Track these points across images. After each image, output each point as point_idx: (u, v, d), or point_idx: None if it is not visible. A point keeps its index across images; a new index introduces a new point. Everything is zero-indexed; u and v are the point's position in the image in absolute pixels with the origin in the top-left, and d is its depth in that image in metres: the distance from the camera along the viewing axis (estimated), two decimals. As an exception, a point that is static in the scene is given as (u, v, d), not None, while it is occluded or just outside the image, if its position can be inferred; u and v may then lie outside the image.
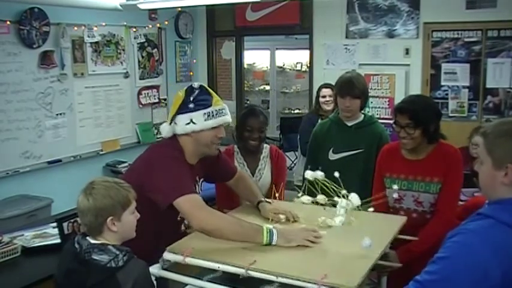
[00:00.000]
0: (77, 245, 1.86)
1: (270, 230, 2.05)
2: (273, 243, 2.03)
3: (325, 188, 2.13)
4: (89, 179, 1.93)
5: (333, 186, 2.07)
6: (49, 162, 4.98)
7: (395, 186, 2.48)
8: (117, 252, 1.82)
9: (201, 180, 2.47)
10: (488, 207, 1.51)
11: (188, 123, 2.22)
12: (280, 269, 1.81)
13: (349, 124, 2.96)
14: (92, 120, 5.43)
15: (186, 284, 2.07)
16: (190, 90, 2.29)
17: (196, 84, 2.32)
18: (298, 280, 1.76)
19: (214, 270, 2.00)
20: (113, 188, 1.88)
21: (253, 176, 2.98)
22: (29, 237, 2.93)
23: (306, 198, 2.15)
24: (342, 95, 2.90)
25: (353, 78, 2.90)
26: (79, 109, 5.28)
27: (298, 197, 2.36)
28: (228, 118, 2.31)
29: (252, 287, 1.85)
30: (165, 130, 2.31)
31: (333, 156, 2.99)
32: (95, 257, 1.80)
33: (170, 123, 2.29)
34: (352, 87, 2.85)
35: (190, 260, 1.97)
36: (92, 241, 1.86)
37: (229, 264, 1.89)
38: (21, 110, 4.71)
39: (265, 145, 3.05)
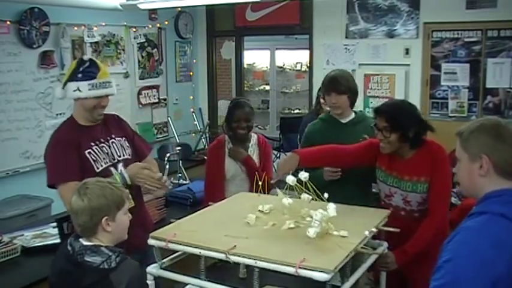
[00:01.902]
0: (69, 247, 1.85)
1: (121, 173, 2.53)
2: (127, 182, 2.48)
3: (307, 189, 2.14)
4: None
5: (313, 188, 2.08)
6: (49, 162, 4.98)
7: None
8: (110, 254, 1.81)
9: (124, 138, 2.72)
10: (479, 205, 1.53)
11: (75, 90, 2.54)
12: (259, 254, 1.83)
13: (343, 121, 2.97)
14: (92, 120, 5.43)
15: (186, 284, 2.07)
16: (80, 62, 2.60)
17: (86, 57, 2.62)
18: (278, 264, 1.78)
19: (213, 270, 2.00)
20: (107, 188, 1.88)
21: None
22: (29, 237, 2.93)
23: (288, 202, 2.17)
24: (327, 92, 2.94)
25: (337, 75, 2.93)
26: (79, 109, 5.28)
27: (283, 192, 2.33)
28: (110, 91, 2.60)
29: (252, 287, 1.85)
30: (57, 92, 2.65)
31: None
32: (87, 258, 1.79)
33: (63, 88, 2.59)
34: (336, 84, 2.88)
35: (172, 246, 2.02)
36: (85, 243, 1.84)
37: (209, 249, 1.93)
38: (21, 110, 4.71)
39: (252, 134, 3.31)
